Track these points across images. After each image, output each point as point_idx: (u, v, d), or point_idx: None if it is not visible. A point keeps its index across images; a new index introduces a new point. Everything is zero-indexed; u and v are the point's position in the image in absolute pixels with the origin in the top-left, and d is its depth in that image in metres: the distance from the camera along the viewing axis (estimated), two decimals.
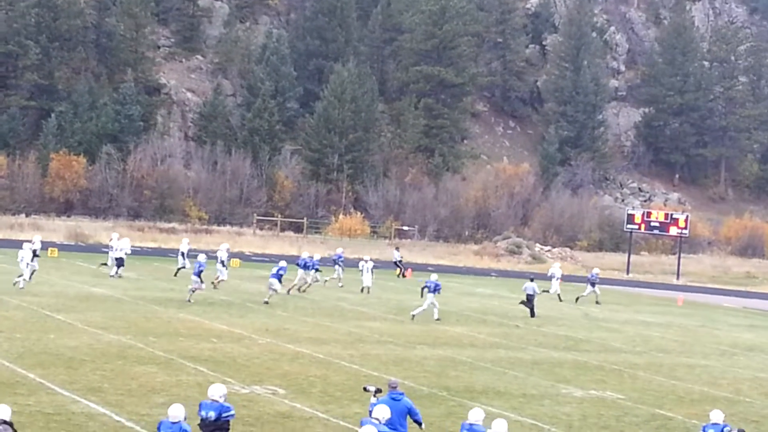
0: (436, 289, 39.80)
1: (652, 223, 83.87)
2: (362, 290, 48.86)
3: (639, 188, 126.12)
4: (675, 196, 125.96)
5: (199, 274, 39.98)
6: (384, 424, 16.02)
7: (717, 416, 18.47)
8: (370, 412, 17.08)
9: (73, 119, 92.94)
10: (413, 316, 39.86)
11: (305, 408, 22.64)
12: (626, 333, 42.19)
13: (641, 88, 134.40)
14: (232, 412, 16.46)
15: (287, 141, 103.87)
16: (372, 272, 49.75)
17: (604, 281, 56.98)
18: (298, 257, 50.30)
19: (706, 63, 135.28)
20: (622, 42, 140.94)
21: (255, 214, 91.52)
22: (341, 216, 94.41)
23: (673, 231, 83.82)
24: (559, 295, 53.52)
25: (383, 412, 16.10)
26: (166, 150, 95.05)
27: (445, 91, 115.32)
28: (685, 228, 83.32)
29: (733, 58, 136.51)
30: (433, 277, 40.85)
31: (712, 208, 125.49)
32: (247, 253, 68.80)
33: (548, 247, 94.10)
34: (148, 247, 67.63)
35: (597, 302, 52.97)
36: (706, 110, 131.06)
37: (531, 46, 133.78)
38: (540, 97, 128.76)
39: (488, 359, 31.57)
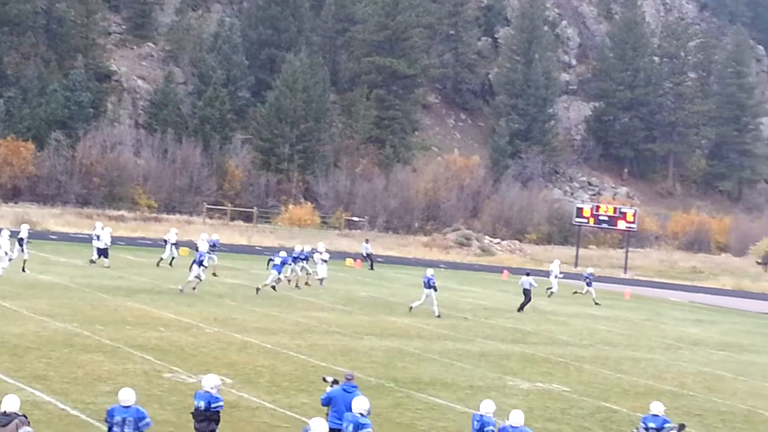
0: (431, 284, 39.81)
1: (601, 217, 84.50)
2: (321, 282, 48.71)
3: (588, 182, 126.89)
4: (624, 190, 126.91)
5: (200, 263, 40.06)
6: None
7: (657, 408, 18.43)
8: (323, 400, 17.34)
9: (22, 105, 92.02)
10: (411, 308, 40.49)
11: (252, 398, 22.62)
12: (573, 326, 42.47)
13: (592, 82, 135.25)
14: (221, 403, 16.56)
15: (238, 130, 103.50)
16: (326, 263, 49.71)
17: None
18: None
19: (656, 58, 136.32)
20: (574, 36, 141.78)
21: (205, 203, 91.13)
22: (291, 206, 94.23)
23: (621, 225, 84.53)
24: (551, 291, 54.16)
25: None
26: (116, 137, 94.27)
27: (397, 83, 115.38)
28: (633, 222, 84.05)
29: (682, 54, 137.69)
30: (429, 272, 40.88)
31: (660, 202, 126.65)
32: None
33: (497, 240, 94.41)
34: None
35: (595, 302, 52.93)
36: (656, 105, 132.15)
37: (483, 38, 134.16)
38: (491, 90, 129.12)
39: (436, 351, 31.67)
